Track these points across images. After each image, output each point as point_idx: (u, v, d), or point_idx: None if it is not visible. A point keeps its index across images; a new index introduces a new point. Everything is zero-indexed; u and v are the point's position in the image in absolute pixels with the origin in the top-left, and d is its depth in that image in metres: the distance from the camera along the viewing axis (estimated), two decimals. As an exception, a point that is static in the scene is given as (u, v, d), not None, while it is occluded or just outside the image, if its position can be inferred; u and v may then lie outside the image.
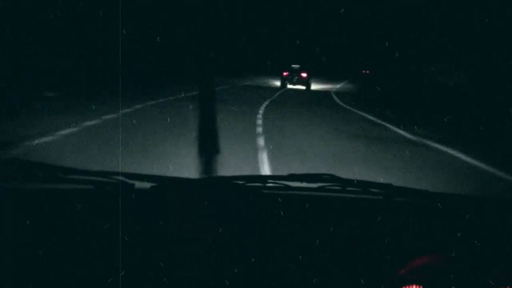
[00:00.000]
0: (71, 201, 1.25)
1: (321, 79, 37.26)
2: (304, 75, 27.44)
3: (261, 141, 7.13)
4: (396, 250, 1.07)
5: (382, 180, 1.60)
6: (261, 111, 11.98)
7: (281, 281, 1.01)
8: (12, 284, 0.97)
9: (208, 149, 1.70)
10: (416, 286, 1.03)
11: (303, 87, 26.97)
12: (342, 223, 1.19)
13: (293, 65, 28.23)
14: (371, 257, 1.05)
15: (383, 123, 11.20)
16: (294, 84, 27.21)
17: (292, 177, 1.35)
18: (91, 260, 1.03)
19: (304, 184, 1.35)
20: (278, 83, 28.02)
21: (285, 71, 27.71)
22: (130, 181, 1.31)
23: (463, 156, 6.92)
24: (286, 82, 27.14)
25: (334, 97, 22.16)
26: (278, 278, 1.01)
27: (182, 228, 1.14)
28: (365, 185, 1.33)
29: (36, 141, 5.99)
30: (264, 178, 1.36)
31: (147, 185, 1.31)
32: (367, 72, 53.26)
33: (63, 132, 6.84)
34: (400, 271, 1.04)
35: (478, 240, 1.11)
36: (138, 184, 1.32)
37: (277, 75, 30.52)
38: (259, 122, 9.74)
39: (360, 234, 1.13)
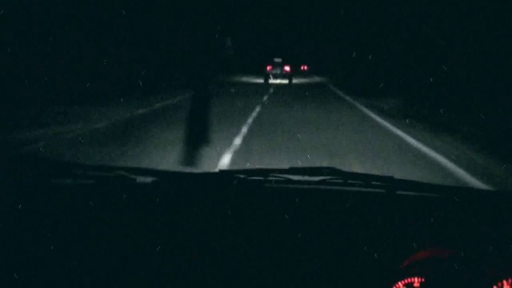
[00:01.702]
0: (72, 196, 1.25)
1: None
2: (287, 68, 26.21)
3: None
4: (398, 243, 1.07)
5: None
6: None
7: (283, 274, 1.01)
8: (14, 277, 0.97)
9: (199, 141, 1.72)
10: (418, 278, 1.03)
11: (286, 81, 25.64)
12: (344, 216, 1.19)
13: (275, 59, 26.93)
14: (373, 250, 1.05)
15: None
16: (277, 78, 25.96)
17: (294, 170, 1.35)
18: (92, 254, 1.03)
19: (306, 178, 1.35)
20: (261, 80, 26.42)
21: (268, 65, 26.46)
22: (131, 176, 1.31)
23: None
24: (269, 76, 25.82)
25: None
26: (280, 270, 1.01)
27: (183, 223, 1.15)
28: (366, 178, 1.33)
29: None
30: (266, 172, 1.36)
31: (148, 179, 1.31)
32: (305, 68, 53.41)
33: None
34: (402, 264, 1.03)
35: (480, 233, 1.11)
36: (139, 179, 1.32)
37: (255, 74, 28.98)
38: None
39: (362, 227, 1.13)
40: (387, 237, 1.09)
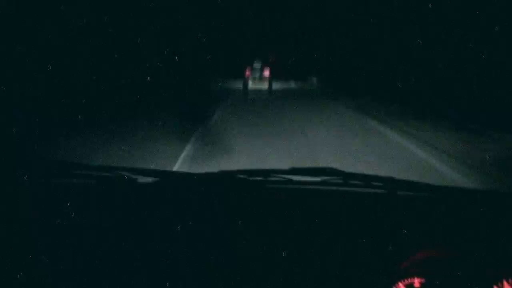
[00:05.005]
0: (74, 196, 1.26)
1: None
2: (266, 73, 24.42)
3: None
4: (398, 243, 1.08)
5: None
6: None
7: (284, 274, 1.01)
8: (17, 276, 0.98)
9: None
10: (418, 278, 1.03)
11: (265, 87, 23.71)
12: (345, 216, 1.19)
13: (255, 63, 25.24)
14: (374, 250, 1.05)
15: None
16: (257, 84, 24.19)
17: (295, 171, 1.35)
18: (93, 254, 1.03)
19: (307, 178, 1.35)
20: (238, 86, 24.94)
21: (247, 70, 24.66)
22: (133, 176, 1.32)
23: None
24: (249, 82, 24.19)
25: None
26: (281, 270, 1.02)
27: (184, 223, 1.15)
28: (367, 179, 1.33)
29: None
30: (267, 172, 1.36)
31: (149, 179, 1.32)
32: (274, 59, 50.78)
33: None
34: (403, 263, 1.04)
35: (480, 233, 1.12)
36: (141, 179, 1.32)
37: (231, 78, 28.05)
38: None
39: (363, 227, 1.14)
40: (387, 237, 1.10)
